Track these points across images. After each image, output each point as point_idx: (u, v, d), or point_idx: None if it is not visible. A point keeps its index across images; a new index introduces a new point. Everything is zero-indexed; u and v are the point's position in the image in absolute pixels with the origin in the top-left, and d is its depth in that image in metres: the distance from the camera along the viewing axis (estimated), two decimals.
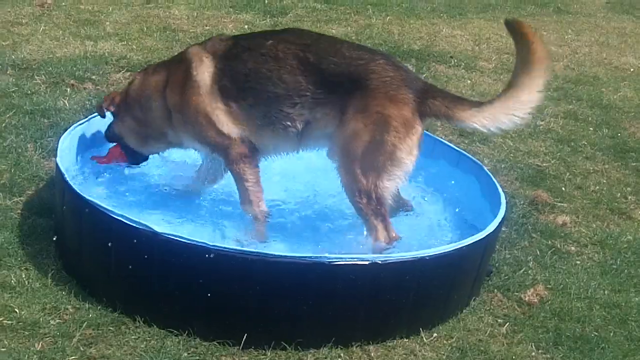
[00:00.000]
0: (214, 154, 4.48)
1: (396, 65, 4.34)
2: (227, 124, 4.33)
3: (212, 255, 3.63)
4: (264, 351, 3.78)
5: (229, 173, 4.51)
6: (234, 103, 4.32)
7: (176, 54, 4.64)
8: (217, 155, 4.47)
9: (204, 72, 4.30)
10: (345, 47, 4.35)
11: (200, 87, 4.30)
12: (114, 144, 4.77)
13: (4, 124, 5.63)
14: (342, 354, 3.83)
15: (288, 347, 3.79)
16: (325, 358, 3.80)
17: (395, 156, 4.17)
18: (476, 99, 7.02)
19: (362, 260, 3.77)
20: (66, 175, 4.11)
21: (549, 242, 5.08)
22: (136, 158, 4.78)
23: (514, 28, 4.22)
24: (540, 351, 4.08)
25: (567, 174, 6.10)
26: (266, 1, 9.62)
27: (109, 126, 4.75)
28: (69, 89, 6.38)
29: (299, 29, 4.82)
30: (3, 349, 3.58)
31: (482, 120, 4.15)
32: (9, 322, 3.76)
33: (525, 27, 4.19)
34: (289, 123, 4.31)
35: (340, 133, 4.24)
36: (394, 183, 4.26)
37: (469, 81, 7.83)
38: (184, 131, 4.44)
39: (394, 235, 4.27)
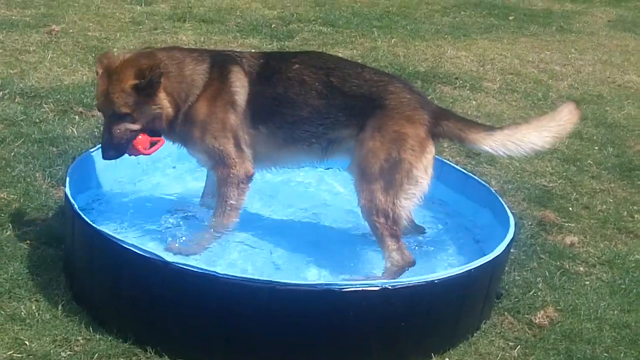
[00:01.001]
0: (214, 169, 4.51)
1: (412, 88, 4.55)
2: (247, 145, 4.42)
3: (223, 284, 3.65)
4: None
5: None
6: (262, 126, 4.42)
7: (216, 58, 4.47)
8: (215, 171, 4.49)
9: (243, 94, 4.38)
10: (366, 70, 4.51)
11: (237, 109, 4.37)
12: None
13: (12, 153, 5.65)
14: None
15: None
16: None
17: (412, 174, 4.27)
18: (482, 120, 7.16)
19: (373, 286, 3.78)
20: (75, 205, 4.13)
21: (558, 262, 5.08)
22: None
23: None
24: None
25: (574, 193, 6.11)
26: (273, 25, 9.70)
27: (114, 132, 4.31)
28: (77, 117, 6.41)
29: (323, 53, 4.89)
30: None
31: (492, 144, 4.32)
32: (19, 355, 3.76)
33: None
34: (313, 141, 4.45)
35: (358, 151, 4.35)
36: (411, 202, 4.34)
37: (474, 102, 7.85)
38: (199, 143, 4.42)
39: (407, 256, 4.32)
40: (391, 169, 4.25)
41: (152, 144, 4.45)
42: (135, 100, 4.21)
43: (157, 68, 4.18)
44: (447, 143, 5.73)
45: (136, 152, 4.40)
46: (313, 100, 4.37)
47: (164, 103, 4.28)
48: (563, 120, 4.42)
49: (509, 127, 4.42)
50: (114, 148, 4.31)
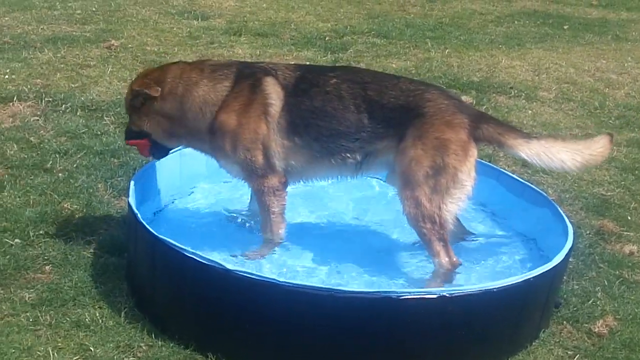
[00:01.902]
0: (247, 180, 4.59)
1: (449, 94, 4.59)
2: (279, 157, 4.47)
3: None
4: None
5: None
6: (298, 138, 4.46)
7: (243, 71, 4.59)
8: (249, 183, 4.60)
9: (278, 105, 4.44)
10: (402, 81, 4.54)
11: (271, 120, 4.43)
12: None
13: (75, 165, 5.79)
14: None
15: None
16: None
17: (457, 178, 4.29)
18: (538, 129, 7.12)
19: (430, 294, 3.80)
20: (139, 214, 4.22)
21: (617, 272, 5.03)
22: (162, 152, 4.80)
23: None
24: None
25: (632, 202, 6.04)
26: (326, 38, 9.77)
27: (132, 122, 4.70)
28: None
29: (359, 67, 4.93)
30: None
31: (528, 152, 4.35)
32: None
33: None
34: (348, 155, 4.49)
35: (400, 160, 4.37)
36: (456, 206, 4.37)
37: (529, 111, 7.81)
38: (229, 151, 4.49)
39: (455, 259, 4.35)
40: (436, 174, 4.27)
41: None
42: (131, 107, 4.62)
43: (141, 93, 4.49)
44: (502, 154, 5.72)
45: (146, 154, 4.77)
46: (351, 115, 4.41)
47: (152, 120, 4.57)
48: (596, 151, 4.43)
49: (547, 139, 4.44)
50: (127, 135, 4.75)
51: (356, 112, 4.40)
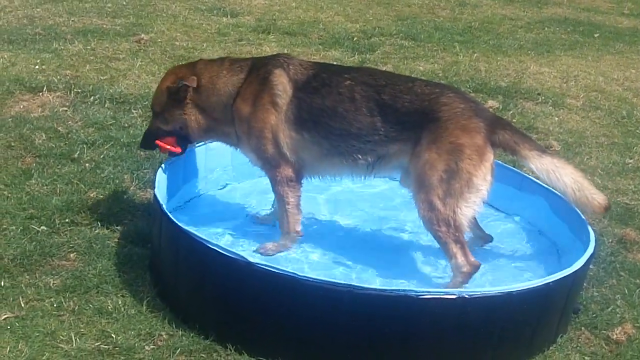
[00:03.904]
0: (263, 169, 4.67)
1: (466, 97, 4.55)
2: (289, 148, 4.53)
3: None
4: None
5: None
6: (306, 133, 4.51)
7: (257, 63, 4.70)
8: (265, 172, 4.67)
9: (285, 98, 4.49)
10: (417, 84, 4.51)
11: (278, 110, 4.49)
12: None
13: (102, 156, 5.86)
14: None
15: None
16: None
17: (472, 183, 4.30)
18: (564, 137, 7.11)
19: (449, 294, 3.81)
20: (164, 205, 4.28)
21: (637, 280, 5.01)
22: (185, 144, 4.85)
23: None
24: None
25: None
26: (354, 38, 9.79)
27: (154, 128, 4.79)
28: None
29: (375, 69, 4.93)
30: None
31: (539, 166, 4.40)
32: (106, 346, 3.91)
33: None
34: (359, 156, 4.51)
35: (414, 164, 4.38)
36: (471, 210, 4.37)
37: (556, 118, 7.79)
38: (245, 139, 4.61)
39: (473, 260, 4.35)
40: (450, 179, 4.27)
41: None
42: (166, 102, 4.65)
43: (183, 82, 4.56)
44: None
45: (165, 150, 4.80)
46: (363, 118, 4.43)
47: (189, 112, 4.64)
48: (594, 202, 4.44)
49: (559, 159, 4.46)
50: (146, 140, 4.84)
51: (369, 115, 4.42)
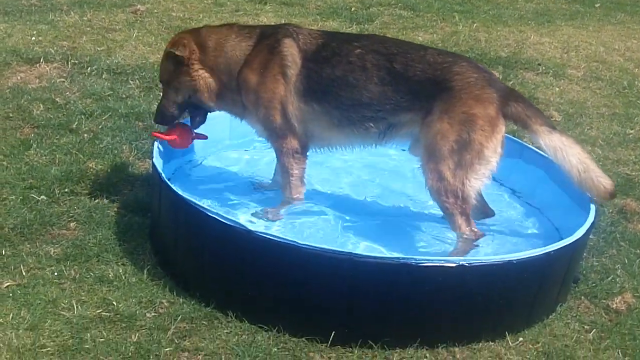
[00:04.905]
0: (269, 140, 4.64)
1: (479, 67, 4.48)
2: (297, 120, 4.50)
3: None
4: (350, 349, 3.84)
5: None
6: (316, 104, 4.47)
7: (266, 32, 4.65)
8: (271, 143, 4.64)
9: (295, 69, 4.44)
10: (429, 53, 4.45)
11: (288, 81, 4.44)
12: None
13: (100, 126, 5.84)
14: (427, 355, 3.88)
15: (374, 346, 3.86)
16: (411, 358, 3.85)
17: (483, 154, 4.26)
18: (564, 107, 7.08)
19: (450, 262, 3.81)
20: (163, 174, 4.27)
21: (638, 250, 5.01)
22: (203, 115, 4.81)
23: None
24: (627, 358, 4.05)
25: None
26: (352, 9, 9.73)
27: (165, 103, 4.73)
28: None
29: (385, 37, 4.87)
30: (102, 340, 3.74)
31: (547, 142, 4.35)
32: (107, 314, 3.92)
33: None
34: (371, 124, 4.47)
35: (425, 133, 4.33)
36: (480, 182, 4.34)
37: (557, 89, 7.76)
38: (252, 109, 4.56)
39: (476, 230, 4.35)
40: (461, 149, 4.24)
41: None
42: (172, 69, 4.58)
43: (181, 43, 4.51)
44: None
45: (175, 145, 4.77)
46: (374, 87, 4.37)
47: (197, 76, 4.55)
48: (600, 185, 4.39)
49: (568, 138, 4.42)
50: (162, 115, 4.74)
51: (380, 84, 4.37)
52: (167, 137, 4.70)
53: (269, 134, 4.59)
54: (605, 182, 4.40)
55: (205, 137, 4.92)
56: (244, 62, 4.52)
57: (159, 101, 4.84)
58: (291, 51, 4.46)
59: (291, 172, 4.58)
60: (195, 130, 4.84)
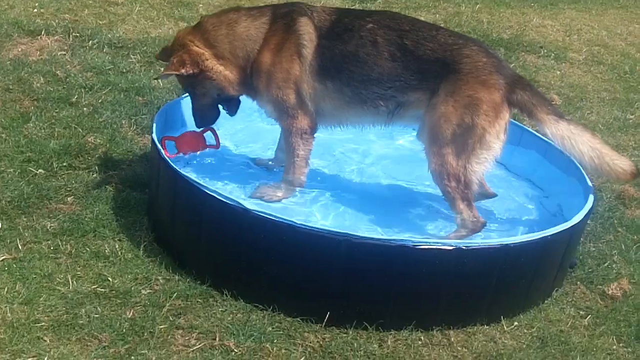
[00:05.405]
0: (279, 120, 4.59)
1: (489, 52, 4.43)
2: (311, 99, 4.46)
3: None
4: (345, 329, 3.85)
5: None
6: (329, 82, 4.43)
7: (278, 10, 4.56)
8: (280, 122, 4.59)
9: (310, 47, 4.40)
10: (441, 33, 4.42)
11: (303, 61, 4.40)
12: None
13: (100, 100, 5.82)
14: (422, 337, 3.89)
15: (369, 327, 3.87)
16: (406, 340, 3.86)
17: (485, 140, 4.24)
18: (565, 91, 7.06)
19: (446, 245, 3.81)
20: (162, 151, 4.25)
21: (635, 237, 5.02)
22: (235, 105, 4.78)
23: None
24: (621, 344, 4.06)
25: None
26: None
27: (197, 108, 4.70)
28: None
29: (398, 14, 4.85)
30: (96, 315, 3.74)
31: (553, 131, 4.30)
32: (103, 290, 3.92)
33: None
34: (381, 102, 4.43)
35: (430, 115, 4.32)
36: (483, 167, 4.32)
37: (558, 72, 7.74)
38: (264, 89, 4.50)
39: (479, 218, 4.33)
40: (464, 133, 4.22)
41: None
42: (190, 82, 4.55)
43: (183, 62, 4.42)
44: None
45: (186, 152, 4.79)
46: (384, 62, 4.34)
47: (217, 74, 4.48)
48: (616, 166, 4.32)
49: (576, 126, 4.37)
50: (201, 119, 4.73)
51: (390, 60, 4.34)
52: (174, 152, 4.73)
53: (279, 115, 4.54)
54: (622, 164, 4.35)
55: (216, 147, 4.93)
56: (262, 41, 4.46)
57: (192, 107, 4.74)
58: (307, 29, 4.42)
59: (297, 153, 4.54)
60: (207, 140, 4.89)
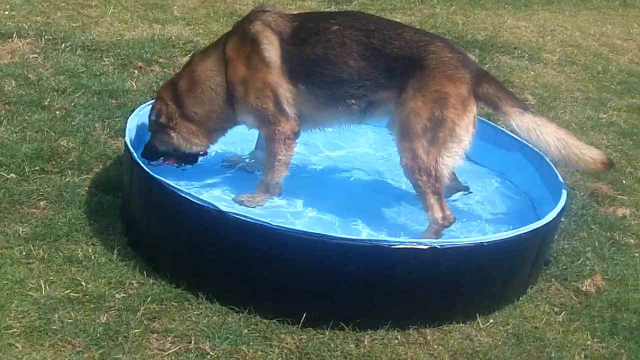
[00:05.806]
0: (261, 128, 4.61)
1: (454, 47, 4.49)
2: (289, 103, 4.46)
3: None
4: (322, 330, 3.84)
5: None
6: (301, 84, 4.45)
7: (232, 29, 4.66)
8: (263, 131, 4.61)
9: (274, 52, 4.41)
10: (406, 31, 4.46)
11: (271, 66, 4.41)
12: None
13: (73, 103, 5.77)
14: (398, 336, 3.88)
15: (346, 327, 3.86)
16: (382, 339, 3.86)
17: (455, 132, 4.28)
18: (539, 91, 7.10)
19: (421, 244, 3.81)
20: (135, 154, 4.22)
21: (608, 234, 5.06)
22: (192, 158, 4.83)
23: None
24: (595, 340, 4.09)
25: (629, 167, 6.06)
26: None
27: (152, 146, 4.74)
28: (136, 71, 6.51)
29: (362, 13, 4.86)
30: (70, 321, 3.70)
31: (519, 123, 4.35)
32: (76, 294, 3.88)
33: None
34: (353, 102, 4.46)
35: (399, 112, 4.35)
36: (453, 160, 4.35)
37: (532, 72, 7.79)
38: (244, 103, 4.51)
39: (449, 214, 4.34)
40: (434, 128, 4.25)
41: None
42: (157, 130, 4.70)
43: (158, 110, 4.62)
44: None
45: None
46: (353, 62, 4.38)
47: (179, 134, 4.65)
48: (584, 156, 4.38)
49: (541, 118, 4.43)
50: (150, 154, 4.71)
51: (359, 60, 4.37)
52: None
53: (260, 122, 4.54)
54: (591, 153, 4.41)
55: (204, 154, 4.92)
56: (225, 66, 4.52)
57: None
58: (265, 33, 4.43)
59: (279, 157, 4.54)
60: None
